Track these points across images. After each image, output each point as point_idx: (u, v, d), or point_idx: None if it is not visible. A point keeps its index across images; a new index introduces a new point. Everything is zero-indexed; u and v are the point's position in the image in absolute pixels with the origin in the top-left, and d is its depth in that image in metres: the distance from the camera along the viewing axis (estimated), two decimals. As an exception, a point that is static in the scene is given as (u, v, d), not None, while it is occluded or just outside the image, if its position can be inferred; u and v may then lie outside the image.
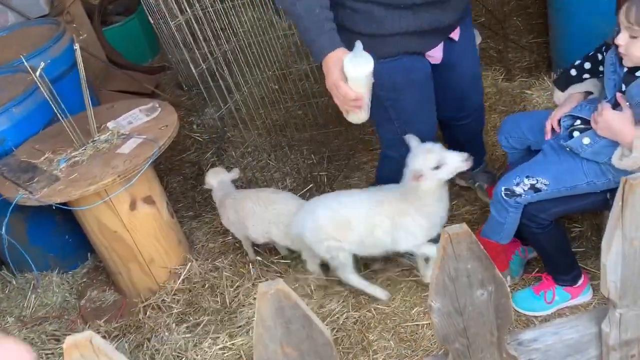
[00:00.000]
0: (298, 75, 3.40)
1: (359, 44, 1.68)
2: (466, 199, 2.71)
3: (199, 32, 2.24)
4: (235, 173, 2.63)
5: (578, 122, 1.85)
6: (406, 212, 2.09)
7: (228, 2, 2.49)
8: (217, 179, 2.63)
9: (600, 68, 1.88)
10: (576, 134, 1.82)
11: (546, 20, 3.30)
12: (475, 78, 2.27)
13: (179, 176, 3.49)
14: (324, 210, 2.19)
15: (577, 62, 1.96)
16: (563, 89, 1.98)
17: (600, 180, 1.80)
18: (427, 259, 2.25)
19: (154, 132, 2.40)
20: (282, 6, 1.81)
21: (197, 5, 2.22)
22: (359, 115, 1.81)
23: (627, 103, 1.67)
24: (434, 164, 1.96)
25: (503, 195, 1.89)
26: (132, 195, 2.39)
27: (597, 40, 1.96)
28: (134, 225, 2.45)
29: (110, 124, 2.49)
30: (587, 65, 1.93)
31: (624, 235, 0.76)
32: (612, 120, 1.67)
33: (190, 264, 2.66)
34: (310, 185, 2.96)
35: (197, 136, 3.81)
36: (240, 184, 3.04)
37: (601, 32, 2.03)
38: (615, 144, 1.71)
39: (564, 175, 1.83)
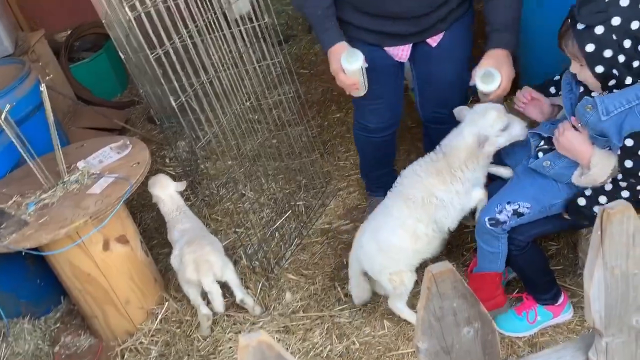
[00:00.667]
0: (269, 105, 3.40)
1: (351, 49, 2.06)
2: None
3: (177, 65, 2.23)
4: (183, 185, 2.68)
5: (542, 142, 1.89)
6: (438, 186, 2.01)
7: (205, 35, 2.49)
8: (165, 192, 2.60)
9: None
10: (540, 154, 1.86)
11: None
12: (453, 84, 2.27)
13: (152, 212, 3.43)
14: (370, 244, 2.12)
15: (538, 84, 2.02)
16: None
17: (570, 191, 1.83)
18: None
19: (126, 170, 2.36)
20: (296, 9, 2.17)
21: (176, 37, 2.20)
22: (358, 93, 2.19)
23: (580, 124, 1.71)
24: (503, 124, 1.90)
25: (488, 225, 1.90)
26: (105, 235, 2.34)
27: (557, 67, 1.99)
28: (108, 266, 2.38)
29: (80, 164, 2.44)
30: (552, 90, 1.98)
31: (605, 265, 0.76)
32: (571, 140, 1.71)
33: (167, 303, 2.59)
34: (288, 214, 2.94)
35: (170, 170, 3.76)
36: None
37: (560, 59, 2.06)
38: (573, 165, 1.75)
39: (541, 196, 1.85)
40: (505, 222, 1.88)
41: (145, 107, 4.69)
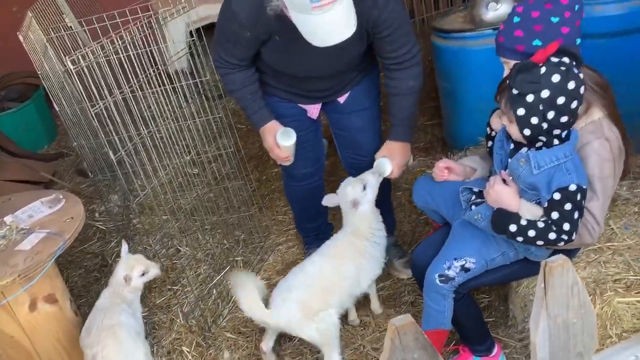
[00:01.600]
0: (208, 159, 3.41)
1: (286, 128, 2.33)
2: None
3: (117, 119, 2.21)
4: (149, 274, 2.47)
5: (473, 196, 2.00)
6: (364, 249, 2.35)
7: (147, 89, 2.50)
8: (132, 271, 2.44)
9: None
10: (474, 207, 1.96)
11: (438, 102, 3.60)
12: (363, 131, 2.51)
13: (80, 269, 3.28)
14: (301, 291, 2.22)
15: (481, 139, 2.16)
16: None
17: (511, 251, 1.93)
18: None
19: (58, 225, 2.26)
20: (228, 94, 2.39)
21: (117, 91, 2.19)
22: (288, 163, 2.46)
23: (511, 177, 1.85)
24: (361, 187, 2.32)
25: (439, 282, 1.93)
26: (33, 294, 2.20)
27: (484, 123, 2.16)
28: (34, 328, 2.24)
29: (7, 219, 2.32)
30: (489, 143, 2.13)
31: (549, 314, 0.82)
32: (500, 193, 1.82)
33: (97, 365, 2.44)
34: (226, 270, 2.90)
35: (100, 225, 3.63)
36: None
37: (488, 116, 2.25)
38: None
39: (484, 250, 1.94)
40: (454, 278, 1.93)
41: (74, 159, 4.55)
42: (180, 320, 2.67)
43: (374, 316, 2.55)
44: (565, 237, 1.71)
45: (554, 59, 1.61)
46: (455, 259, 1.93)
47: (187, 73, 2.87)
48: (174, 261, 3.00)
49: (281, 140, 2.31)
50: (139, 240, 3.33)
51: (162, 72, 2.59)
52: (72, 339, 2.40)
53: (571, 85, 1.60)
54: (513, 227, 1.78)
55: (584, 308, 0.84)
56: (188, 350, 2.51)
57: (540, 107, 1.62)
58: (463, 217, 2.00)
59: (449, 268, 1.93)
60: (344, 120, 2.50)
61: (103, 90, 2.18)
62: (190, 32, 2.83)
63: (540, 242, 1.76)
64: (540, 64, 1.61)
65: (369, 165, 2.42)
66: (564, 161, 1.69)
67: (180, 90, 2.87)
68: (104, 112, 2.23)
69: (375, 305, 2.55)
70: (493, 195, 1.84)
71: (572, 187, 1.67)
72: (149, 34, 2.43)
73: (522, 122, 1.67)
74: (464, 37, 2.94)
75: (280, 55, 2.19)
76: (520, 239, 1.78)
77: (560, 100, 1.60)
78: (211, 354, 2.50)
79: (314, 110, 2.48)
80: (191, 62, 2.89)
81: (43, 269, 2.09)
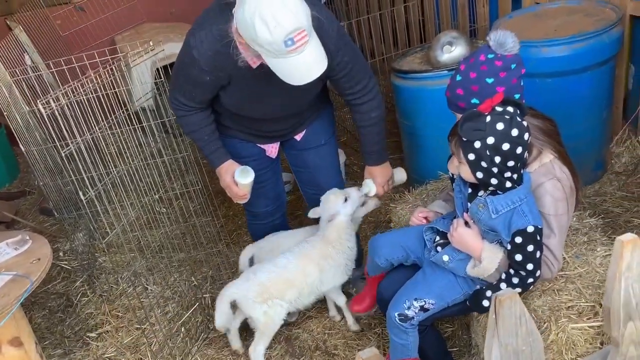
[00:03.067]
0: (175, 195, 3.43)
1: (244, 167, 2.38)
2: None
3: (87, 158, 2.24)
4: None
5: (437, 237, 2.09)
6: (328, 255, 2.50)
7: (116, 129, 2.54)
8: None
9: None
10: (439, 249, 2.04)
11: (399, 138, 3.74)
12: (320, 167, 2.65)
13: (43, 310, 3.23)
14: (265, 274, 2.45)
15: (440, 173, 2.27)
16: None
17: (472, 289, 2.01)
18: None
19: (25, 267, 2.25)
20: (185, 134, 2.55)
21: (87, 133, 2.23)
22: (244, 201, 2.49)
23: (472, 220, 1.95)
24: (342, 199, 2.48)
25: (398, 321, 2.00)
26: (-3, 338, 2.17)
27: (444, 161, 2.27)
28: (-2, 373, 2.20)
29: (-29, 261, 2.29)
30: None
31: (500, 343, 0.90)
32: (463, 236, 1.92)
33: (63, 409, 2.41)
34: (195, 306, 2.91)
35: (65, 264, 3.59)
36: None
37: (447, 154, 2.37)
38: (467, 258, 1.96)
39: (445, 292, 2.01)
40: (413, 317, 2.00)
41: (37, 197, 4.49)
42: (148, 360, 2.65)
43: (341, 351, 2.60)
44: (531, 278, 1.82)
45: (499, 109, 1.73)
46: (415, 299, 2.00)
47: (154, 111, 2.91)
48: (142, 299, 2.99)
49: (239, 179, 2.35)
50: (105, 279, 3.31)
51: (131, 113, 2.64)
52: (37, 383, 2.36)
53: (514, 132, 1.71)
54: (486, 303, 1.88)
55: (531, 336, 0.92)
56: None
57: (487, 153, 1.73)
58: (430, 259, 2.07)
59: (408, 308, 1.99)
60: (302, 157, 2.62)
61: (73, 132, 2.21)
62: (157, 70, 2.90)
63: (516, 289, 1.84)
64: (486, 113, 1.73)
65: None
66: (520, 204, 1.79)
67: (147, 128, 2.91)
68: (75, 153, 2.26)
69: (350, 321, 2.69)
70: (457, 238, 1.93)
71: (530, 229, 1.78)
72: (119, 76, 2.49)
73: (474, 166, 1.78)
74: (421, 78, 3.09)
75: (238, 99, 2.26)
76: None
77: (505, 146, 1.72)
78: (180, 393, 2.49)
79: (272, 149, 2.58)
80: (158, 99, 2.94)
81: (9, 313, 2.07)
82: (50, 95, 2.01)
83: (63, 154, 2.08)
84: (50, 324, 3.10)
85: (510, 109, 1.73)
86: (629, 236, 0.97)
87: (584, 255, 2.23)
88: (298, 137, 2.57)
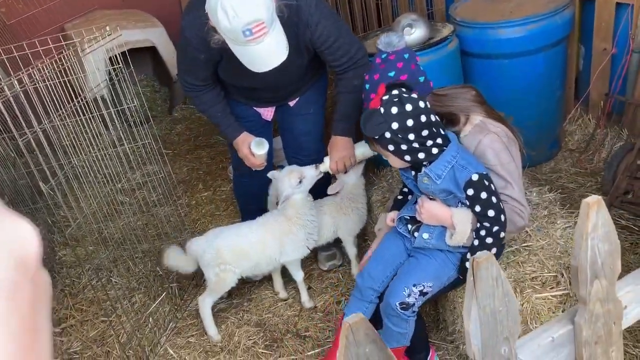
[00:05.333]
0: (137, 185, 3.36)
1: (259, 138, 2.55)
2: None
3: (47, 147, 2.16)
4: None
5: (409, 226, 2.12)
6: (289, 230, 2.57)
7: (70, 119, 2.45)
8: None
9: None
10: (416, 234, 2.08)
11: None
12: (306, 134, 2.75)
13: None
14: (225, 240, 2.56)
15: (401, 188, 2.32)
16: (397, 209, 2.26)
17: (459, 257, 2.07)
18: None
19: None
20: (198, 110, 2.87)
21: (45, 121, 2.15)
22: (261, 168, 2.64)
23: (429, 197, 2.01)
24: (297, 180, 2.50)
25: (400, 310, 2.01)
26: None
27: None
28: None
29: None
30: (405, 189, 2.30)
31: (479, 304, 0.93)
32: (430, 209, 1.98)
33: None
34: (162, 296, 2.87)
35: (22, 260, 3.46)
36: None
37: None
38: (445, 231, 2.01)
39: (440, 272, 2.05)
40: (414, 303, 2.03)
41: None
42: (117, 352, 2.60)
43: (312, 332, 2.62)
44: (496, 226, 1.89)
45: (385, 97, 1.83)
46: (414, 285, 2.01)
47: (108, 100, 2.83)
48: (108, 291, 2.93)
49: (255, 150, 2.52)
50: (66, 273, 3.22)
51: (87, 101, 2.56)
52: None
53: (409, 107, 1.80)
54: (468, 264, 1.93)
55: (507, 297, 0.96)
56: (127, 381, 2.46)
57: (400, 136, 1.82)
58: (412, 246, 2.10)
59: (408, 295, 2.00)
60: (291, 121, 2.74)
61: (30, 121, 2.13)
62: (110, 58, 2.82)
63: (491, 243, 1.92)
64: (379, 106, 1.82)
65: (308, 163, 2.60)
66: (455, 161, 1.88)
67: (100, 118, 2.82)
68: (32, 142, 2.18)
69: (304, 297, 2.77)
70: (425, 212, 1.99)
71: (475, 177, 1.86)
72: (75, 62, 2.41)
73: (398, 153, 1.87)
74: (382, 60, 3.12)
75: (231, 72, 2.40)
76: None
77: (410, 122, 1.81)
78: (151, 383, 2.46)
79: (268, 112, 2.73)
80: (111, 89, 2.86)
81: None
82: (5, 82, 1.93)
83: (21, 143, 2.00)
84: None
85: (395, 91, 1.83)
86: (594, 198, 1.02)
87: (545, 228, 2.32)
88: (291, 104, 2.69)
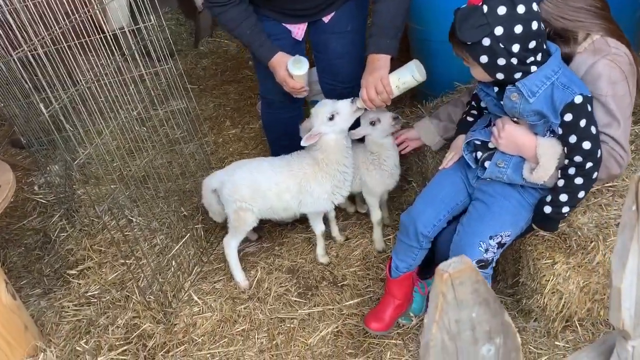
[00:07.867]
0: (159, 121, 3.08)
1: (296, 56, 2.20)
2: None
3: (46, 71, 1.87)
4: None
5: (479, 153, 1.78)
6: (313, 176, 2.24)
7: (84, 38, 2.15)
8: None
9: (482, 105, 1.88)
10: (487, 163, 1.74)
11: (407, 47, 3.33)
12: (343, 56, 2.37)
13: (19, 247, 2.92)
14: (243, 174, 2.31)
15: (469, 107, 1.97)
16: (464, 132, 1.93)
17: (534, 199, 1.73)
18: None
19: (-17, 195, 1.93)
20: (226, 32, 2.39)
21: (46, 36, 1.85)
22: (304, 95, 2.32)
23: (515, 118, 1.66)
24: (329, 115, 2.12)
25: (478, 269, 1.71)
26: (-43, 277, 1.88)
27: (462, 70, 1.93)
28: (-38, 316, 1.92)
29: None
30: (474, 111, 1.94)
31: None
32: (512, 133, 1.63)
33: (43, 353, 2.15)
34: (186, 238, 2.62)
35: (40, 198, 3.26)
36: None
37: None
38: (523, 162, 1.66)
39: (517, 216, 1.73)
40: (492, 259, 1.72)
41: (7, 129, 4.11)
42: (137, 297, 2.38)
43: (350, 281, 2.35)
44: (591, 162, 1.55)
45: None
46: (490, 237, 1.70)
47: (129, 32, 2.50)
48: (126, 233, 2.69)
49: (293, 70, 2.17)
50: (84, 213, 3.00)
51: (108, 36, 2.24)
52: (11, 326, 2.10)
53: (521, 9, 1.44)
54: (547, 209, 1.66)
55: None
56: (151, 326, 2.24)
57: (502, 46, 1.46)
58: (482, 177, 1.76)
59: (486, 250, 1.69)
60: (324, 41, 2.37)
61: (27, 35, 1.83)
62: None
63: (580, 185, 1.60)
64: (480, 4, 1.45)
65: (347, 93, 2.23)
66: (556, 77, 1.52)
67: (127, 52, 2.51)
68: (31, 60, 1.88)
69: (320, 251, 2.48)
70: (505, 138, 1.64)
71: (578, 99, 1.51)
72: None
73: (491, 69, 1.51)
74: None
75: None
76: (564, 209, 1.65)
77: (518, 29, 1.44)
78: (175, 331, 2.23)
79: (298, 30, 2.36)
80: (130, 20, 2.54)
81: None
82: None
83: (14, 57, 1.70)
84: (27, 262, 2.81)
85: None
86: None
87: (633, 166, 1.95)
88: (326, 19, 2.33)
